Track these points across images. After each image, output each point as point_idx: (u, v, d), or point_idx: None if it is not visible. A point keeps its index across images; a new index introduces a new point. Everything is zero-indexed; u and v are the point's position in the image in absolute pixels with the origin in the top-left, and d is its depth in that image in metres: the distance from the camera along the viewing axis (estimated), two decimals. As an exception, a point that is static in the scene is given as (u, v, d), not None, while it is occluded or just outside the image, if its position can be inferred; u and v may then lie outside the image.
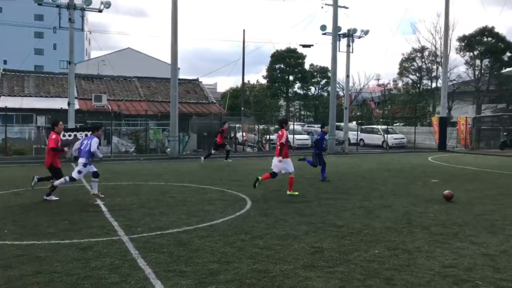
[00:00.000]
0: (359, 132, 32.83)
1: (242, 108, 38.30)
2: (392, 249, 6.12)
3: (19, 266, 5.31)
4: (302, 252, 5.94)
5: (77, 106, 23.50)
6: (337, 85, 36.54)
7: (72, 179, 9.61)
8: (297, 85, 52.74)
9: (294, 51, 49.47)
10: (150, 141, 24.31)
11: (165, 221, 7.68)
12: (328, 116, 27.91)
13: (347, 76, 28.09)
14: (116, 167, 16.73)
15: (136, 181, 12.74)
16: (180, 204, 9.25)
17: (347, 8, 27.32)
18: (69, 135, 13.72)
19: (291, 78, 51.40)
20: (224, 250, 6.01)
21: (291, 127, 30.47)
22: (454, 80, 41.60)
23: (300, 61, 50.60)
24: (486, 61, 40.34)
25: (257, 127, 28.32)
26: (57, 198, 9.54)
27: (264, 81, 53.25)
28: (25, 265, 5.35)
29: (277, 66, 50.77)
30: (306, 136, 30.48)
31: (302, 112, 55.74)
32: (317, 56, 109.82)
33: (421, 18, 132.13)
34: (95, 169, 9.86)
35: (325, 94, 51.20)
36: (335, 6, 26.28)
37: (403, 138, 32.43)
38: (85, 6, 20.66)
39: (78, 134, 13.39)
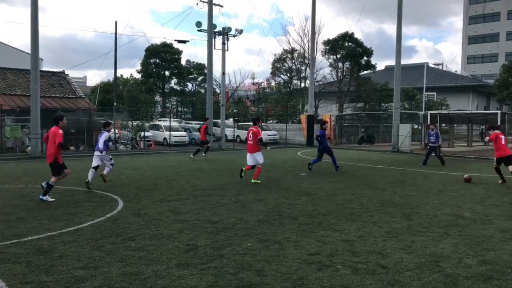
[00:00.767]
0: (235, 129, 33.63)
1: (115, 104, 36.47)
2: (263, 241, 6.36)
3: None
4: (176, 251, 5.85)
5: None
6: (214, 82, 36.91)
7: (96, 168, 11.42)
8: (174, 80, 51.99)
9: (170, 46, 48.64)
10: (6, 139, 21.76)
11: (23, 228, 6.92)
12: (205, 113, 28.05)
13: (223, 73, 28.55)
14: (-37, 169, 14.63)
15: (-12, 184, 11.29)
16: (42, 208, 8.44)
17: (221, 6, 27.73)
18: None
19: (167, 73, 50.44)
20: (92, 254, 5.63)
21: (167, 123, 29.99)
22: (320, 80, 45.03)
23: (176, 56, 49.94)
24: (347, 64, 44.41)
25: (130, 123, 27.21)
26: (53, 200, 9.24)
27: (138, 76, 51.44)
28: None
29: (152, 60, 49.39)
30: (183, 133, 30.25)
31: (179, 109, 55.17)
32: (193, 52, 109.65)
33: (291, 21, 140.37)
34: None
35: (202, 90, 51.40)
36: (210, 3, 26.47)
37: (276, 135, 34.09)
38: None
39: None
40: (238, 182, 12.32)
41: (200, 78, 52.89)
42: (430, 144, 18.01)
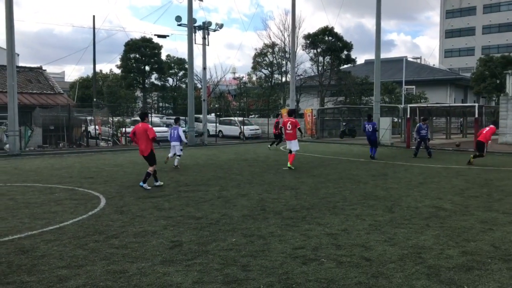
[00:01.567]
0: (217, 124, 33.51)
1: (94, 99, 35.91)
2: (248, 236, 6.37)
3: None
4: (160, 247, 5.81)
5: None
6: (195, 77, 36.65)
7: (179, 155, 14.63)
8: (154, 76, 51.40)
9: (149, 41, 48.03)
10: (-17, 136, 21.23)
11: (3, 227, 6.78)
12: (187, 108, 27.86)
13: (204, 68, 28.37)
14: None
15: (-35, 184, 11.00)
16: (22, 207, 8.28)
17: (201, 0, 27.50)
18: None
19: (147, 68, 49.81)
20: (75, 253, 5.56)
21: (148, 119, 29.68)
22: (301, 75, 45.17)
23: (157, 51, 49.34)
24: (327, 58, 44.61)
25: (111, 119, 26.84)
26: (150, 187, 10.32)
27: (118, 71, 50.68)
28: None
29: (132, 55, 48.69)
30: (165, 129, 29.97)
31: (161, 104, 54.65)
32: (174, 47, 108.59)
33: (271, 15, 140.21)
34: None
35: (183, 85, 50.99)
36: (190, -3, 26.19)
37: (258, 129, 34.10)
38: None
39: None
40: (221, 177, 12.30)
41: (181, 73, 52.45)
42: (419, 137, 18.37)
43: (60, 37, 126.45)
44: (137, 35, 50.25)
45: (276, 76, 48.39)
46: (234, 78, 55.55)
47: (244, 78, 52.66)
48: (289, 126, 14.67)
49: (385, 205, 8.53)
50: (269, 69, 48.05)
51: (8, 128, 19.76)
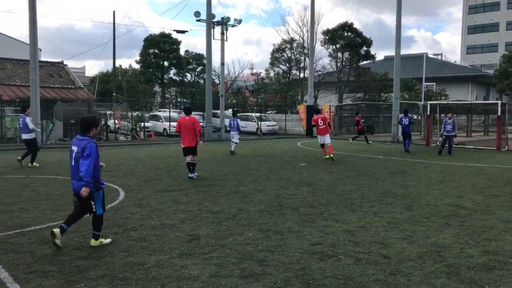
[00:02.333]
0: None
1: (114, 94, 36.35)
2: (265, 231, 6.38)
3: None
4: (178, 241, 5.86)
5: None
6: (213, 73, 36.79)
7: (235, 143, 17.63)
8: (173, 71, 51.76)
9: (168, 36, 48.34)
10: (6, 129, 21.72)
11: (26, 218, 6.93)
12: (204, 103, 27.98)
13: (222, 64, 28.43)
14: (-37, 159, 14.61)
15: (-11, 175, 11.28)
16: (44, 199, 8.45)
17: (221, -5, 27.45)
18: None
19: (166, 64, 50.19)
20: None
21: (166, 114, 29.93)
22: (319, 71, 44.84)
23: (175, 47, 49.64)
24: (346, 54, 44.21)
25: (130, 114, 27.14)
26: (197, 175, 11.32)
27: (137, 66, 51.18)
28: None
29: (151, 51, 49.09)
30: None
31: (179, 99, 55.01)
32: (192, 42, 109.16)
33: (290, 10, 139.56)
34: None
35: (202, 81, 51.23)
36: (210, -7, 26.24)
37: (275, 125, 34.05)
38: None
39: None
40: (238, 172, 12.33)
41: (199, 69, 52.69)
42: (445, 134, 17.87)
43: (81, 32, 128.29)
44: (156, 31, 50.74)
45: (294, 72, 48.19)
46: (252, 74, 55.47)
47: (261, 74, 52.59)
48: (320, 122, 15.91)
49: (404, 202, 8.43)
50: (287, 65, 47.87)
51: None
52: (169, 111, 30.65)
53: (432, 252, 5.48)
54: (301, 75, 46.91)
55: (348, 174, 12.26)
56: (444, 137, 18.03)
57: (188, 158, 11.24)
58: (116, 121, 26.51)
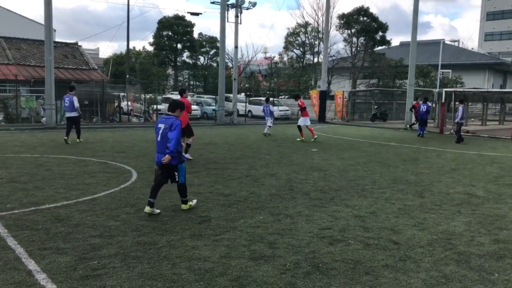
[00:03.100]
0: (247, 104, 33.50)
1: (127, 76, 36.47)
2: (275, 214, 6.42)
3: None
4: (189, 222, 5.94)
5: None
6: (226, 56, 36.62)
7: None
8: (186, 54, 51.62)
9: (182, 18, 48.13)
10: (21, 109, 21.99)
11: (40, 196, 7.07)
12: (217, 87, 27.95)
13: (236, 47, 28.26)
14: (-20, 138, 14.87)
15: (5, 153, 11.48)
16: (58, 178, 8.58)
17: (235, -22, 27.19)
18: None
19: (179, 46, 50.08)
20: (107, 224, 5.75)
21: (179, 97, 29.95)
22: (333, 56, 44.35)
23: (189, 29, 49.43)
24: (361, 39, 43.61)
25: (143, 96, 27.25)
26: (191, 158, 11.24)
27: (150, 48, 51.12)
28: None
29: (164, 33, 48.97)
30: (195, 107, 30.21)
31: (191, 82, 55.02)
32: (206, 25, 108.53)
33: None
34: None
35: (215, 64, 51.06)
36: (224, -25, 25.97)
37: (288, 110, 33.92)
38: None
39: None
40: (250, 156, 12.37)
41: (212, 52, 52.46)
42: (458, 121, 18.03)
43: (95, 14, 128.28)
44: (170, 13, 50.55)
45: (308, 56, 47.79)
46: (265, 58, 55.15)
47: (275, 58, 52.22)
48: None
49: (415, 190, 8.40)
50: (301, 49, 47.45)
51: (45, 101, 20.39)
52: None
53: (443, 239, 5.47)
54: (315, 60, 46.52)
55: (359, 160, 12.22)
56: (457, 124, 18.08)
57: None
58: (129, 103, 26.66)
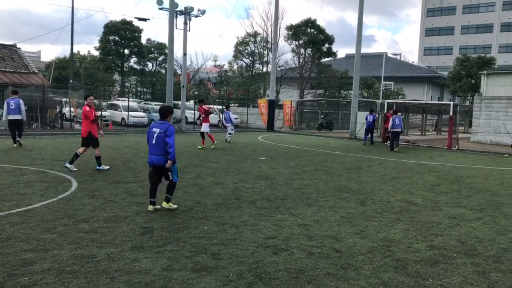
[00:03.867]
0: (196, 111, 33.17)
1: (71, 81, 35.09)
2: (220, 224, 6.35)
3: None
4: (131, 233, 5.74)
5: None
6: (175, 63, 36.19)
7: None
8: (133, 59, 50.54)
9: (130, 23, 47.11)
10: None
11: (-32, 208, 6.58)
12: (165, 94, 27.51)
13: (184, 54, 28.04)
14: None
15: None
16: (-11, 188, 8.04)
17: (185, -15, 27.00)
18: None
19: (126, 51, 48.94)
20: (42, 237, 5.44)
21: (125, 103, 29.21)
22: (282, 66, 45.08)
23: (137, 34, 48.45)
24: (309, 50, 44.66)
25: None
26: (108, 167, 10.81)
27: (96, 53, 49.61)
28: None
29: (111, 38, 47.69)
30: (142, 114, 29.60)
31: (139, 88, 53.83)
32: (154, 31, 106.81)
33: (255, 4, 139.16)
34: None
35: (163, 71, 50.34)
36: (173, -19, 25.75)
37: (237, 118, 33.96)
38: None
39: None
40: (197, 165, 12.22)
41: (160, 58, 51.70)
42: (394, 129, 19.12)
43: (37, 15, 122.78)
44: (116, 17, 49.28)
45: (257, 65, 48.24)
46: (215, 66, 55.09)
47: (225, 66, 52.28)
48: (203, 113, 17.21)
49: (358, 198, 8.64)
50: (251, 59, 47.83)
51: (-22, 106, 19.13)
52: (128, 100, 29.96)
53: (382, 246, 5.65)
54: (264, 69, 47.03)
55: (305, 168, 12.42)
56: (392, 132, 19.26)
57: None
58: (72, 109, 25.62)
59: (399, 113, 20.22)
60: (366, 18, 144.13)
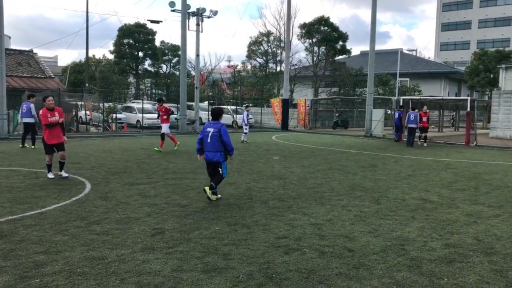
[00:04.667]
0: (210, 112, 33.29)
1: (87, 84, 35.56)
2: (232, 224, 6.32)
3: None
4: (142, 234, 5.74)
5: None
6: (188, 64, 36.36)
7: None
8: (148, 62, 51.06)
9: (143, 26, 47.56)
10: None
11: (-17, 211, 6.67)
12: (179, 95, 27.65)
13: (197, 55, 28.12)
14: None
15: (-51, 166, 10.84)
16: (5, 191, 8.15)
17: (197, -14, 27.11)
18: None
19: (140, 54, 49.43)
20: (55, 239, 5.47)
21: (140, 105, 29.45)
22: (295, 64, 44.93)
23: (150, 37, 48.90)
24: (322, 48, 44.39)
25: (102, 105, 26.58)
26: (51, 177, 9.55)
27: (111, 56, 50.21)
28: None
29: (125, 41, 48.24)
30: (155, 115, 29.79)
31: (153, 91, 54.28)
32: (168, 33, 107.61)
33: (267, 3, 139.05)
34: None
35: (177, 72, 50.59)
36: (185, -17, 25.85)
37: (251, 118, 33.91)
38: None
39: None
40: (210, 165, 12.21)
41: (174, 60, 52.04)
42: (409, 125, 19.40)
43: (53, 21, 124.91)
44: (130, 20, 49.83)
45: (270, 65, 48.16)
46: (229, 66, 55.18)
47: (238, 67, 52.32)
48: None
49: (372, 196, 8.51)
50: (264, 58, 47.77)
51: (-3, 111, 19.49)
52: (142, 103, 30.21)
53: (396, 245, 5.53)
54: (278, 68, 46.92)
55: (319, 167, 12.31)
56: (410, 128, 19.42)
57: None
58: (88, 112, 25.93)
59: (416, 110, 19.96)
60: (380, 15, 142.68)
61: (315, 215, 6.97)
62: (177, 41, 58.35)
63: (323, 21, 43.12)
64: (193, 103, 28.85)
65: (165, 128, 15.59)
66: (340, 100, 37.23)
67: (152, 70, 51.58)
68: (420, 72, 55.54)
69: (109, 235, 5.69)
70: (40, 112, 9.52)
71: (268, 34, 45.86)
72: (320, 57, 44.64)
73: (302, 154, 15.55)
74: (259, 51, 47.44)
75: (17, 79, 25.47)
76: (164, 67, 53.11)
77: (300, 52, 62.20)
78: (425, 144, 19.96)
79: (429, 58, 69.05)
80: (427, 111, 20.59)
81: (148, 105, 32.17)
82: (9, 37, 39.88)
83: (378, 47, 30.87)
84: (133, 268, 4.59)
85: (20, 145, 15.26)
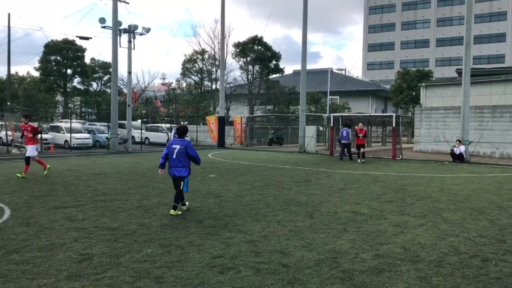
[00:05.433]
0: (143, 131, 32.51)
1: (8, 103, 33.35)
2: (165, 246, 6.11)
3: None
4: (67, 261, 5.38)
5: None
6: (120, 82, 35.40)
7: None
8: (77, 79, 49.03)
9: (72, 42, 45.77)
10: None
11: None
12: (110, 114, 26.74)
13: (129, 72, 27.49)
14: None
15: None
16: None
17: (127, 3, 26.68)
18: None
19: (69, 71, 47.42)
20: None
21: (68, 125, 28.08)
22: (231, 82, 45.32)
23: (80, 54, 47.14)
24: (257, 67, 45.22)
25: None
26: None
27: (36, 74, 47.66)
28: None
29: (52, 57, 46.09)
30: (86, 135, 28.58)
31: (83, 109, 52.09)
32: (98, 50, 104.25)
33: (201, 22, 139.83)
34: None
35: (108, 90, 49.03)
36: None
37: (188, 137, 33.52)
38: None
39: None
40: (143, 185, 11.84)
41: (105, 77, 50.47)
42: (342, 141, 20.73)
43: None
44: (58, 36, 47.72)
45: (206, 83, 48.19)
46: (163, 84, 54.45)
47: (173, 84, 51.77)
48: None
49: (306, 210, 8.65)
50: (199, 76, 47.74)
51: None
52: (70, 122, 28.84)
53: (329, 258, 5.63)
54: (213, 86, 47.05)
55: (255, 184, 12.36)
56: (343, 144, 20.72)
57: None
58: (9, 132, 24.26)
59: (358, 126, 20.37)
60: (311, 36, 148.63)
61: (250, 232, 6.95)
62: (108, 58, 56.74)
63: (256, 40, 44.03)
64: (125, 122, 28.00)
65: (30, 150, 13.39)
66: (275, 118, 37.95)
67: (82, 88, 49.62)
68: (349, 90, 58.25)
69: (30, 264, 5.27)
70: None
71: (202, 52, 46.00)
72: (254, 76, 45.41)
73: (239, 171, 15.56)
74: (194, 69, 47.39)
75: None
76: (94, 84, 51.34)
77: (235, 70, 62.80)
78: (363, 161, 19.56)
79: (357, 77, 72.73)
80: (363, 127, 20.66)
81: (77, 125, 30.79)
82: None
83: (310, 66, 32.04)
84: (56, 299, 4.27)
85: None
